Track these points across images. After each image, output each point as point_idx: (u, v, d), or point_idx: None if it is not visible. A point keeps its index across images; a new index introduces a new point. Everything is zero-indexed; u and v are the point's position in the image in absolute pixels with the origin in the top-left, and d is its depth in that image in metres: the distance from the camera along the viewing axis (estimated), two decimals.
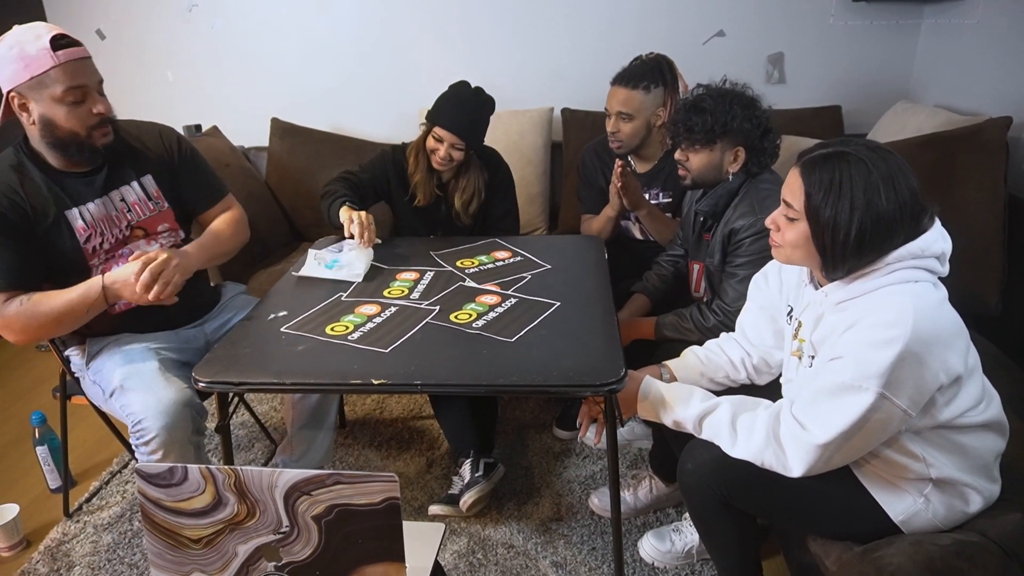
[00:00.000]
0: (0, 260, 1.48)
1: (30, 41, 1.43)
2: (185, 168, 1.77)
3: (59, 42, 1.44)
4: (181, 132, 2.82)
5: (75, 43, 1.48)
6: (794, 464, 1.18)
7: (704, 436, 1.31)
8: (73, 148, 1.52)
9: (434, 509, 1.90)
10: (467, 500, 1.84)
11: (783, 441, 1.19)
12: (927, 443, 1.19)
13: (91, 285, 1.52)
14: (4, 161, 1.54)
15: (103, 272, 1.57)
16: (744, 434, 1.24)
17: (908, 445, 1.19)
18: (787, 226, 1.22)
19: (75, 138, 1.51)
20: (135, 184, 1.67)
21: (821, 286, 1.25)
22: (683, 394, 1.35)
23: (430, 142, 2.03)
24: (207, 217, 1.84)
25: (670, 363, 1.56)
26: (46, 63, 1.43)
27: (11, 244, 1.49)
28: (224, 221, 1.83)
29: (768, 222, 1.27)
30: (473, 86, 2.04)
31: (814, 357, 1.25)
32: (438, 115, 2.00)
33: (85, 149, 1.53)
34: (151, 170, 1.70)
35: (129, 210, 1.65)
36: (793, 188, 1.19)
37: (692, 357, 1.56)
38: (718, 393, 1.37)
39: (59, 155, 1.55)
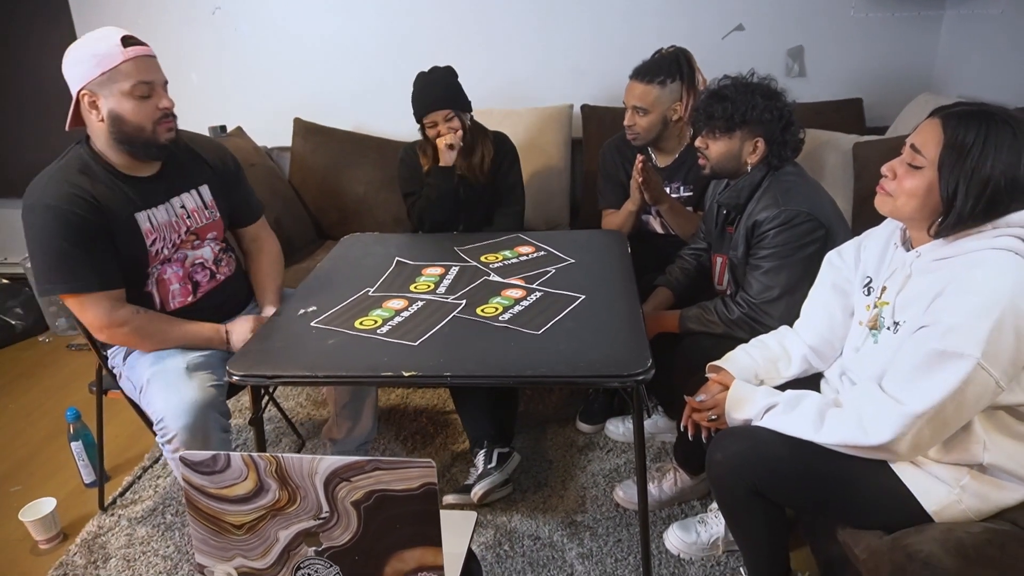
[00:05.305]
0: (92, 263, 1.54)
1: (100, 40, 1.52)
2: (236, 182, 1.87)
3: (128, 41, 1.53)
4: (207, 133, 2.92)
5: (142, 43, 1.56)
6: (884, 430, 1.16)
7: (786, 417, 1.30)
8: (139, 143, 1.58)
9: (448, 499, 1.92)
10: (478, 491, 1.87)
11: (872, 415, 1.18)
12: (990, 428, 1.18)
13: (217, 334, 1.70)
14: (71, 167, 1.57)
15: (159, 275, 1.67)
16: (834, 417, 1.24)
17: (974, 424, 1.17)
18: (907, 174, 1.20)
19: (141, 133, 1.57)
20: (194, 192, 1.74)
21: (912, 248, 1.24)
22: (762, 389, 1.38)
23: (431, 133, 2.15)
24: (245, 232, 1.94)
25: (721, 363, 1.52)
26: (117, 58, 1.51)
27: (98, 246, 1.55)
28: (274, 257, 1.96)
29: (885, 169, 1.25)
30: (426, 70, 2.15)
31: (898, 324, 1.24)
32: (418, 106, 2.13)
33: (151, 145, 1.59)
34: (207, 180, 1.78)
35: (189, 216, 1.72)
36: (928, 136, 1.18)
37: (743, 355, 1.53)
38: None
39: (125, 153, 1.59)
